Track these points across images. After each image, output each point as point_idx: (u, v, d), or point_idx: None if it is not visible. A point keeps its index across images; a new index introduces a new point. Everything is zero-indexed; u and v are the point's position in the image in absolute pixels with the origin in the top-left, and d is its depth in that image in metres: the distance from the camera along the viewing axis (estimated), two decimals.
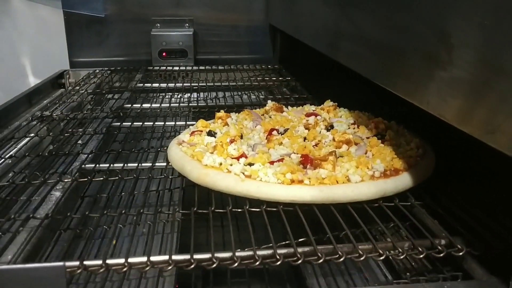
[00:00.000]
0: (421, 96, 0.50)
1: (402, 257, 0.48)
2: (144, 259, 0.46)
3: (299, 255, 0.47)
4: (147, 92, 1.23)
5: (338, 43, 0.81)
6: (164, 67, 1.45)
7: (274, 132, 0.73)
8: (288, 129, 0.74)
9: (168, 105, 1.07)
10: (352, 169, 0.60)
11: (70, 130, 0.89)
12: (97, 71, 1.40)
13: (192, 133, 0.75)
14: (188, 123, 0.92)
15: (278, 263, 0.46)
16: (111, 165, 0.71)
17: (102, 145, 0.83)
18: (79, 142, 0.85)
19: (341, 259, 0.47)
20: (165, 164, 0.72)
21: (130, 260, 0.46)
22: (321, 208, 0.56)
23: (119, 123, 0.93)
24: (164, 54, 1.48)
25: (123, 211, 0.58)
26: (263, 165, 0.61)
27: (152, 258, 0.47)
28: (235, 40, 1.55)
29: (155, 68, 1.46)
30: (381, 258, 0.48)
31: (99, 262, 0.46)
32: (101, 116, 0.98)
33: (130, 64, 1.47)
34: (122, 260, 0.46)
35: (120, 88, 1.22)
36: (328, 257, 0.47)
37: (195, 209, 0.57)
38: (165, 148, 0.78)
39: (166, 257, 0.47)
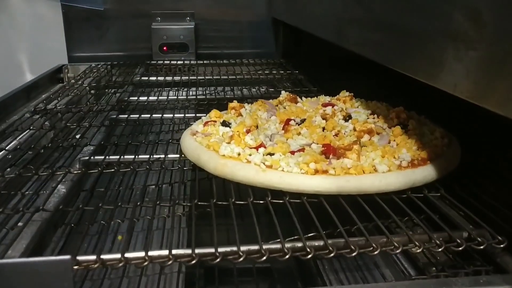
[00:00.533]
0: (447, 80, 0.47)
1: (439, 249, 0.45)
2: (166, 252, 0.44)
3: (331, 248, 0.44)
4: (149, 86, 1.19)
5: (347, 30, 0.78)
6: (166, 61, 1.42)
7: (292, 122, 0.70)
8: (305, 119, 0.72)
9: (171, 97, 1.04)
10: (378, 159, 0.58)
11: (72, 123, 0.85)
12: (97, 65, 1.36)
13: (206, 123, 0.72)
14: (187, 115, 0.89)
15: (309, 256, 0.43)
16: (122, 156, 0.68)
17: (106, 137, 0.80)
18: (78, 135, 0.81)
19: (376, 252, 0.44)
20: (178, 155, 0.69)
21: (150, 253, 0.43)
22: (346, 199, 0.54)
23: (126, 115, 0.90)
24: (164, 48, 1.45)
25: (138, 203, 0.55)
26: (284, 155, 0.59)
27: (174, 252, 0.44)
28: (237, 34, 1.51)
29: (157, 62, 1.42)
30: (418, 250, 0.45)
31: (118, 256, 0.43)
32: (107, 109, 0.95)
33: (130, 59, 1.44)
34: (142, 254, 0.43)
35: (123, 82, 1.19)
36: (362, 250, 0.44)
37: (214, 200, 0.54)
38: (171, 140, 0.75)
39: (189, 251, 0.44)
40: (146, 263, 0.43)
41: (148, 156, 0.68)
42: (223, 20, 1.50)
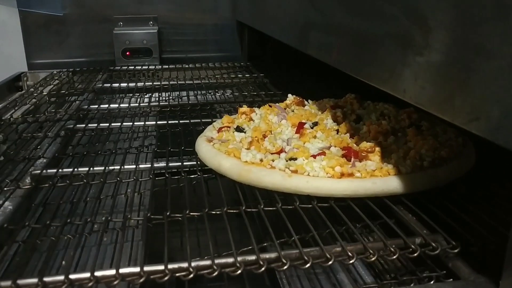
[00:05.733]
0: (397, 85, 0.46)
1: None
2: (209, 262, 0.41)
3: (371, 251, 0.42)
4: (111, 93, 1.11)
5: (307, 35, 0.75)
6: (129, 67, 1.33)
7: (306, 126, 0.67)
8: (317, 122, 0.69)
9: (133, 104, 0.97)
10: (400, 160, 0.56)
11: (28, 134, 0.78)
12: (58, 72, 1.27)
13: (220, 130, 0.69)
14: (147, 123, 0.85)
15: (352, 261, 0.42)
16: (91, 168, 0.63)
17: (63, 148, 0.74)
18: (36, 147, 0.74)
19: (416, 253, 0.43)
20: (194, 162, 0.65)
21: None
22: (373, 201, 0.52)
23: (85, 125, 0.84)
24: (127, 53, 1.36)
25: (168, 213, 0.51)
26: (307, 159, 0.56)
27: (217, 261, 0.41)
28: (202, 38, 1.43)
29: (119, 68, 1.34)
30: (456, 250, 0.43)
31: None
32: (65, 118, 0.88)
33: (93, 65, 1.34)
34: (185, 264, 0.41)
35: (85, 89, 1.10)
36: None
37: (243, 208, 0.51)
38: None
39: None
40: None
41: (119, 166, 0.64)
42: (187, 24, 1.42)
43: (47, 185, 0.61)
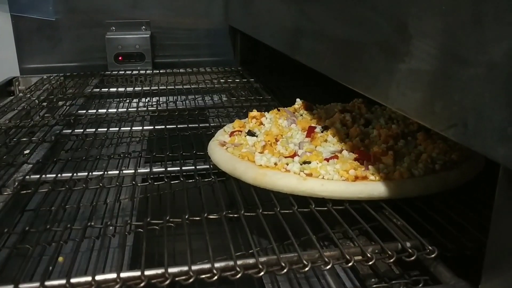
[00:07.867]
0: (380, 91, 0.45)
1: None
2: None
3: (390, 252, 0.43)
4: (103, 98, 1.10)
5: (297, 41, 0.75)
6: (121, 72, 1.31)
7: (317, 130, 0.67)
8: (327, 126, 0.69)
9: (123, 110, 0.96)
10: (413, 163, 0.56)
11: (19, 140, 0.78)
12: (50, 77, 1.25)
13: (232, 134, 0.70)
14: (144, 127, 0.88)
15: (370, 262, 0.43)
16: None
17: (53, 154, 0.74)
18: (27, 151, 0.73)
19: (433, 255, 0.43)
20: (207, 166, 0.66)
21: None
22: (387, 203, 0.53)
23: (75, 130, 0.84)
24: (120, 58, 1.34)
25: (186, 216, 0.51)
26: (321, 163, 0.56)
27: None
28: (195, 42, 1.42)
29: (112, 73, 1.32)
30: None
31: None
32: (55, 123, 0.87)
33: (85, 70, 1.31)
34: (208, 265, 0.41)
35: (76, 94, 1.09)
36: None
37: (260, 211, 0.51)
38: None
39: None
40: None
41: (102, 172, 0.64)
42: (180, 29, 1.40)
43: (30, 190, 0.59)
